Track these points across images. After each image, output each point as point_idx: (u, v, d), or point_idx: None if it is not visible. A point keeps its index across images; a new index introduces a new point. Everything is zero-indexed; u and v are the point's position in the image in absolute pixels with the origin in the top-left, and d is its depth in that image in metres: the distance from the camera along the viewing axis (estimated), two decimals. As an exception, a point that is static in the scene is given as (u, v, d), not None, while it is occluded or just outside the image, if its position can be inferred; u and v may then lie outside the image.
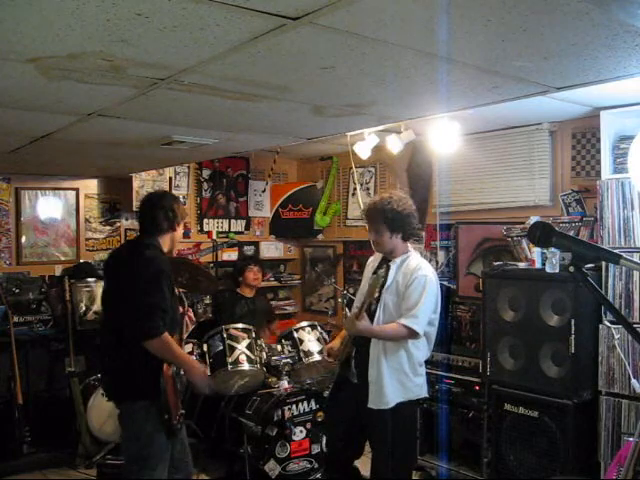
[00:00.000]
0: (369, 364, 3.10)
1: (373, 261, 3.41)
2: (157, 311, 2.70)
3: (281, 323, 5.75)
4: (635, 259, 2.88)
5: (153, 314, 2.69)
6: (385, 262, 3.24)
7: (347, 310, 4.75)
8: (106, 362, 2.99)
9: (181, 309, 3.28)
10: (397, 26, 1.68)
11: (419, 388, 3.17)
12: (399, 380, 3.09)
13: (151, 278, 2.74)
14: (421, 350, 3.15)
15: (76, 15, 1.55)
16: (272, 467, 3.98)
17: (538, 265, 3.66)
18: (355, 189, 5.68)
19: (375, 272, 3.22)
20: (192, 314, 3.32)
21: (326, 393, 4.19)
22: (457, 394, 4.08)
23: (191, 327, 3.36)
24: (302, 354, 4.26)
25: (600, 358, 3.35)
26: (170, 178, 5.60)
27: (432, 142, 4.32)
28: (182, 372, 2.90)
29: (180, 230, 3.08)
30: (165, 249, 2.98)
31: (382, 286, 3.10)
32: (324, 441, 4.19)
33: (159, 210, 2.97)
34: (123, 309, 2.78)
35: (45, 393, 4.89)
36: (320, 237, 6.18)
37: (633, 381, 3.15)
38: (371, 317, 3.12)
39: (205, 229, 5.83)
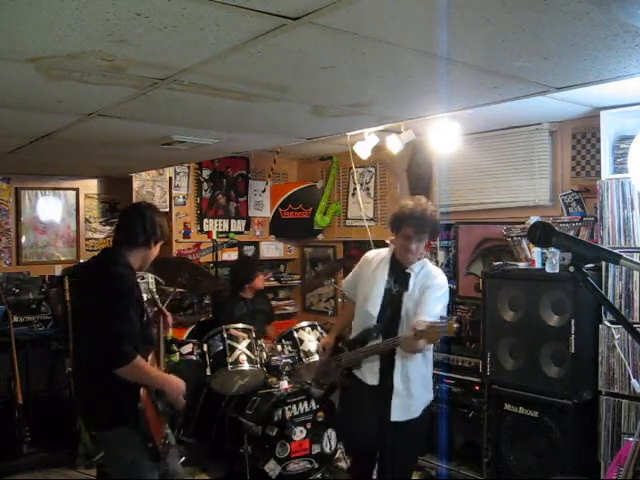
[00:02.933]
0: (394, 375, 2.94)
1: (377, 259, 3.17)
2: (126, 337, 2.52)
3: (281, 323, 5.75)
4: (635, 259, 2.88)
5: (122, 341, 2.50)
6: (397, 269, 3.05)
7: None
8: (79, 388, 2.81)
9: (155, 308, 3.08)
10: (397, 26, 1.68)
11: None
12: (424, 386, 3.04)
13: (116, 302, 2.55)
14: (431, 350, 3.11)
15: (76, 15, 1.55)
16: (272, 467, 3.98)
17: (538, 265, 3.66)
18: (355, 189, 5.68)
19: (390, 285, 3.03)
20: (169, 318, 3.09)
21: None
22: (457, 394, 4.08)
23: (169, 328, 3.18)
24: (302, 354, 4.26)
25: (600, 358, 3.35)
26: (170, 178, 5.60)
27: (432, 142, 4.32)
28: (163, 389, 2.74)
29: (155, 250, 2.82)
30: (135, 266, 2.74)
31: (401, 294, 2.99)
32: (324, 442, 4.20)
33: (138, 220, 2.74)
34: (91, 334, 2.59)
35: (45, 393, 4.88)
36: (320, 237, 6.18)
37: (633, 381, 3.15)
38: (394, 327, 2.97)
39: (205, 229, 5.82)
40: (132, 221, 2.77)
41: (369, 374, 3.01)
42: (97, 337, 2.55)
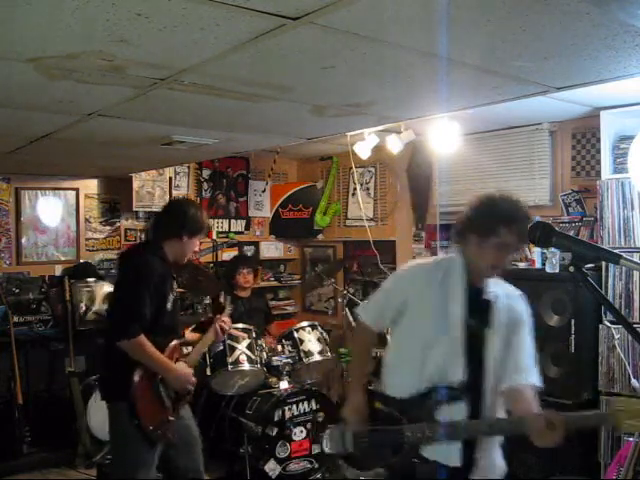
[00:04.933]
0: (477, 446, 2.13)
1: (433, 276, 2.12)
2: (135, 315, 2.68)
3: (281, 323, 5.74)
4: (635, 259, 2.88)
5: (128, 316, 2.68)
6: (471, 293, 2.12)
7: (347, 311, 4.72)
8: (98, 361, 3.15)
9: (210, 315, 3.32)
10: (397, 26, 1.68)
11: None
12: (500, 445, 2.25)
13: (132, 282, 2.74)
14: None
15: (76, 15, 1.55)
16: (272, 467, 3.98)
17: (538, 265, 3.66)
18: (355, 189, 5.68)
19: (468, 319, 2.06)
20: (225, 323, 3.23)
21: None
22: (457, 394, 4.07)
23: (222, 336, 3.29)
24: (302, 354, 4.26)
25: (600, 358, 3.35)
26: (170, 178, 5.60)
27: (432, 142, 4.32)
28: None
29: (190, 243, 2.93)
30: (170, 257, 2.89)
31: (482, 331, 2.08)
32: (324, 442, 4.18)
33: (168, 214, 2.99)
34: (108, 310, 2.92)
35: (45, 393, 4.88)
36: (320, 237, 6.18)
37: (633, 381, 3.15)
38: (476, 381, 2.08)
39: (205, 229, 5.82)
40: (165, 214, 3.01)
41: (447, 451, 2.06)
42: (110, 313, 2.86)
